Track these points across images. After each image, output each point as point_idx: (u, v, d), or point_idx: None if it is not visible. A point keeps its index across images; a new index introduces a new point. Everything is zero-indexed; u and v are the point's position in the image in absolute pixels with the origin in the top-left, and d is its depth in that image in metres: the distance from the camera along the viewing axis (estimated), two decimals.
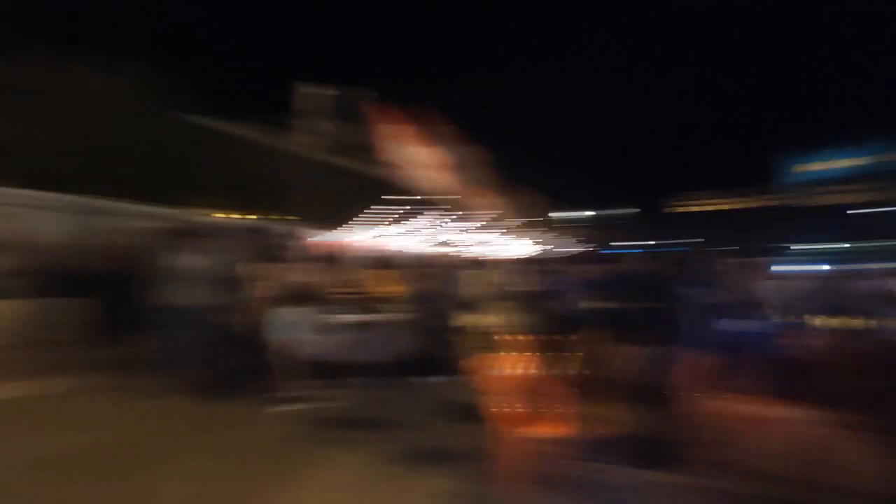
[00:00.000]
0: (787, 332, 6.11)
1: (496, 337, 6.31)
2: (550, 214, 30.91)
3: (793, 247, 46.59)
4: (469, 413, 4.20)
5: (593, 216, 70.27)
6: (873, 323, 5.72)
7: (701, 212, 70.13)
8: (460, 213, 14.02)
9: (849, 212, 56.93)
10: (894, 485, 3.07)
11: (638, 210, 70.20)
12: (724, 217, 65.25)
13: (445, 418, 5.22)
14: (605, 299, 6.27)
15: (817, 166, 65.18)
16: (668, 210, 72.30)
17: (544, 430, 3.68)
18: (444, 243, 16.75)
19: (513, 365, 4.17)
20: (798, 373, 5.29)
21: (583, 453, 3.88)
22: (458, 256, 14.79)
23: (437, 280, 9.71)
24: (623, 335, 5.68)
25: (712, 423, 3.63)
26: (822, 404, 3.80)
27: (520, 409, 3.85)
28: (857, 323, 6.37)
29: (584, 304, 5.75)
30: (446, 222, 15.18)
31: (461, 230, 16.21)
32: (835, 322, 6.83)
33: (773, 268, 10.50)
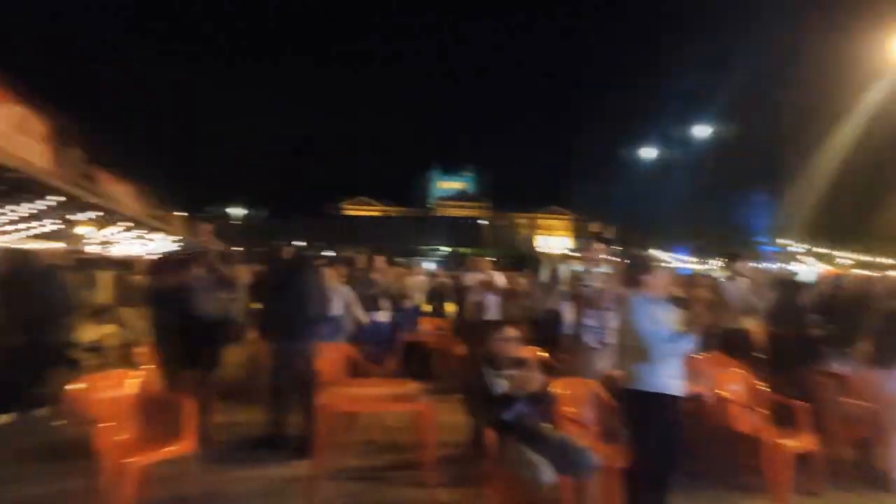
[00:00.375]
0: (412, 319, 6.92)
1: (108, 351, 5.79)
2: (181, 212, 28.51)
3: (425, 248, 59.27)
4: (68, 449, 3.56)
5: (227, 214, 69.32)
6: (469, 310, 6.74)
7: (358, 216, 79.64)
8: (62, 199, 11.36)
9: (460, 222, 77.02)
10: (470, 435, 3.86)
11: (281, 212, 72.34)
12: (376, 221, 76.17)
13: (31, 462, 3.93)
14: (241, 301, 5.80)
15: (442, 185, 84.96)
16: (326, 213, 78.10)
17: (166, 451, 3.16)
18: (39, 237, 13.56)
19: (127, 383, 3.51)
20: (412, 353, 6.15)
21: (211, 465, 3.55)
22: (59, 253, 12.01)
23: (23, 283, 7.49)
24: (259, 335, 5.31)
25: (341, 409, 3.77)
26: (427, 378, 4.46)
27: (135, 433, 3.28)
28: (458, 309, 7.45)
29: (215, 307, 5.11)
30: (42, 210, 12.20)
31: (64, 221, 13.34)
32: (445, 309, 8.13)
33: (411, 266, 11.60)
